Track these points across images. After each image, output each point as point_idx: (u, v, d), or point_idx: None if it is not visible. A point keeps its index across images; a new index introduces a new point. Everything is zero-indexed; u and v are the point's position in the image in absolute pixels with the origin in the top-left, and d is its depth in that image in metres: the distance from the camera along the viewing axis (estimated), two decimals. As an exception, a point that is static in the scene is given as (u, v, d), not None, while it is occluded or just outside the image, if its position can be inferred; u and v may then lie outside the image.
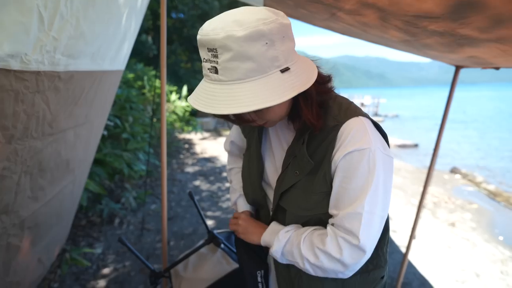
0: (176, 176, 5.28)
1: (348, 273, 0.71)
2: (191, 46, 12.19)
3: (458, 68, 1.84)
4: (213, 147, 7.63)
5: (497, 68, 1.49)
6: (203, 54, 0.61)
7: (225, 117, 0.71)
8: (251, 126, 0.93)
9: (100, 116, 1.88)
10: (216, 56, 0.58)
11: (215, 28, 0.57)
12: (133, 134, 4.04)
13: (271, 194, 0.88)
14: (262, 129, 0.89)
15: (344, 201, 0.69)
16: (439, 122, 2.07)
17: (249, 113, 0.68)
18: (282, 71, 0.60)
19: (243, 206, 1.02)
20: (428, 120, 17.05)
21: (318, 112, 0.72)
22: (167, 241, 3.13)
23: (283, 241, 0.77)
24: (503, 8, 0.68)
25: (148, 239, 3.16)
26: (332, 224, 0.72)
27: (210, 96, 0.61)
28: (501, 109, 25.42)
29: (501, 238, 3.69)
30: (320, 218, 0.77)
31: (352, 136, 0.67)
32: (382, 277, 0.85)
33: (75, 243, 2.96)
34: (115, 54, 1.62)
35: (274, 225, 0.84)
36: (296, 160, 0.76)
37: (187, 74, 12.12)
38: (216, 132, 10.04)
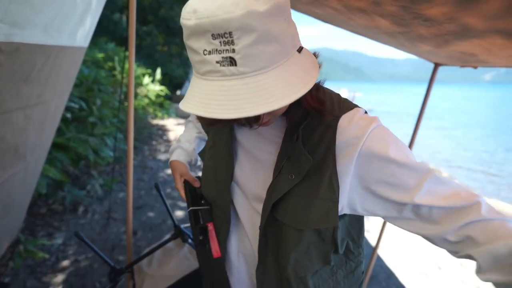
0: (147, 163, 5.08)
1: None
2: (167, 29, 11.71)
3: (436, 65, 1.83)
4: (188, 135, 7.42)
5: (475, 67, 1.48)
6: (203, 44, 0.46)
7: (242, 120, 0.59)
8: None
9: (58, 97, 1.69)
10: (231, 43, 0.45)
11: (223, 5, 0.43)
12: (101, 118, 3.81)
13: (240, 202, 0.76)
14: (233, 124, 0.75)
15: (406, 182, 0.57)
16: (410, 118, 2.08)
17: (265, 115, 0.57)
18: (299, 50, 0.52)
19: (180, 155, 0.96)
20: (400, 115, 17.67)
21: (320, 98, 0.63)
22: (134, 231, 2.99)
23: None
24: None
25: (114, 229, 3.00)
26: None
27: (231, 97, 0.47)
28: (470, 108, 26.83)
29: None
30: (327, 238, 0.66)
31: (356, 127, 0.60)
32: (363, 272, 0.82)
33: (32, 233, 2.75)
34: (74, 28, 1.45)
35: None
36: (290, 162, 0.63)
37: (163, 57, 11.66)
38: (191, 119, 9.77)
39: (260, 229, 0.69)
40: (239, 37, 0.44)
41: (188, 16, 0.46)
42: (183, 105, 0.51)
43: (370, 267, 2.31)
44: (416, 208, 0.58)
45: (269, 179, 0.68)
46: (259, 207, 0.69)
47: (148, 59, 10.78)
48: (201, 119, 0.60)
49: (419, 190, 0.56)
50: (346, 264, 0.74)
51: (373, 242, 3.11)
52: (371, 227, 3.71)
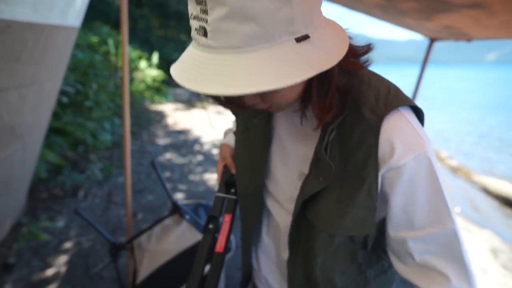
0: (146, 148, 5.10)
1: None
2: (163, 12, 11.47)
3: (432, 41, 1.82)
4: (186, 119, 7.41)
5: (469, 40, 1.48)
6: (191, 7, 0.44)
7: (215, 98, 0.53)
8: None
9: (52, 78, 1.69)
10: (205, 12, 0.42)
11: None
12: (98, 102, 3.80)
13: (271, 194, 0.73)
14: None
15: (415, 221, 0.56)
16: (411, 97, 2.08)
17: (248, 98, 0.51)
18: (298, 40, 0.43)
19: (231, 140, 0.92)
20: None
21: (332, 104, 0.53)
22: (134, 214, 3.04)
23: None
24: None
25: (114, 212, 3.05)
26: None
27: (197, 68, 0.44)
28: (467, 88, 26.67)
29: (457, 209, 3.95)
30: (358, 239, 0.63)
31: (402, 143, 0.52)
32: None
33: (34, 216, 2.80)
34: (65, 6, 1.43)
35: None
36: (319, 163, 0.58)
37: (159, 41, 11.46)
38: (189, 104, 9.74)
39: (291, 224, 0.66)
40: (212, 8, 0.41)
41: None
42: (172, 66, 0.50)
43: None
44: (404, 244, 0.58)
45: (295, 173, 0.64)
46: (287, 202, 0.68)
47: (144, 43, 10.60)
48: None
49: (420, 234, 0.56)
50: (377, 263, 0.70)
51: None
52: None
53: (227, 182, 0.85)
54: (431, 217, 0.55)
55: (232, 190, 0.83)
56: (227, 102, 0.53)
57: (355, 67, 0.55)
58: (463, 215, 3.80)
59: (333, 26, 0.51)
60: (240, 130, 0.76)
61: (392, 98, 0.54)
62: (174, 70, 0.48)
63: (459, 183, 5.01)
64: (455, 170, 5.59)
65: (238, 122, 0.77)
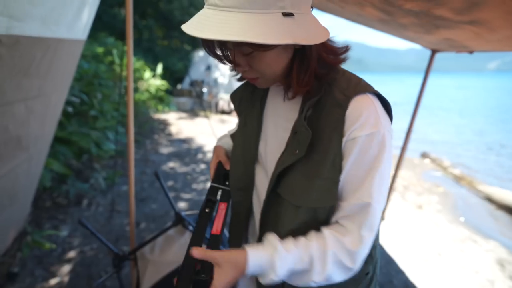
0: (149, 156, 5.13)
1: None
2: (167, 22, 11.64)
3: (434, 52, 1.84)
4: (189, 128, 7.45)
5: (471, 52, 1.49)
6: None
7: (217, 56, 0.63)
8: (249, 101, 0.83)
9: (58, 90, 1.72)
10: None
11: None
12: (102, 112, 3.84)
13: (262, 182, 0.78)
14: (264, 103, 0.79)
15: (348, 189, 0.64)
16: (413, 108, 2.08)
17: (239, 56, 0.61)
18: (284, 14, 0.54)
19: (225, 144, 0.96)
20: (402, 105, 17.55)
21: (308, 81, 0.64)
22: (138, 223, 3.05)
23: (292, 255, 0.62)
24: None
25: (117, 221, 3.06)
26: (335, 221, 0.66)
27: (202, 21, 0.55)
28: (468, 96, 26.61)
29: (462, 219, 3.90)
30: (321, 217, 0.67)
31: (363, 117, 0.61)
32: (367, 274, 0.78)
33: (38, 225, 2.81)
34: (72, 20, 1.47)
35: (253, 248, 0.64)
36: (295, 136, 0.66)
37: (163, 51, 11.62)
38: (192, 113, 9.80)
39: (263, 203, 0.72)
40: None
41: None
42: (184, 24, 0.59)
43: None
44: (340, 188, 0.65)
45: (278, 155, 0.70)
46: None
47: (148, 53, 10.76)
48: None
49: (350, 204, 0.64)
50: None
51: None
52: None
53: (220, 175, 0.88)
54: (360, 192, 0.63)
55: (227, 183, 0.86)
56: (226, 57, 0.62)
57: (335, 61, 0.66)
58: (467, 225, 3.75)
59: (317, 22, 0.62)
60: (241, 126, 0.85)
61: (361, 85, 0.65)
62: (185, 26, 0.57)
63: (462, 192, 4.96)
64: (458, 179, 5.54)
65: (240, 120, 0.86)
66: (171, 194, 3.63)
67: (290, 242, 0.64)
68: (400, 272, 2.60)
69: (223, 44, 0.60)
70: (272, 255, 0.61)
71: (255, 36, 0.51)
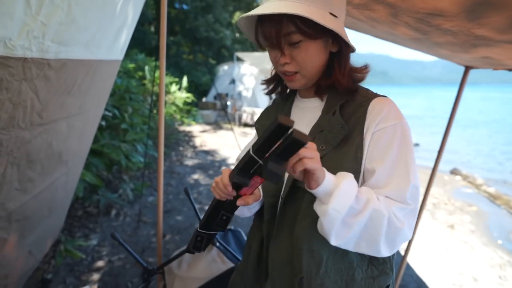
0: (174, 168, 5.24)
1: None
2: (193, 38, 12.06)
3: (467, 68, 1.78)
4: (213, 140, 7.57)
5: (510, 70, 1.43)
6: None
7: (260, 44, 0.74)
8: (269, 116, 0.89)
9: (96, 107, 1.82)
10: None
11: None
12: (132, 125, 3.99)
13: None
14: (289, 112, 0.86)
15: (385, 176, 0.67)
16: (441, 121, 2.02)
17: (286, 46, 0.70)
18: (331, 14, 0.68)
19: None
20: (429, 119, 16.95)
21: (349, 75, 0.74)
22: (163, 234, 3.10)
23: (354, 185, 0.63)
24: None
25: (144, 232, 3.13)
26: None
27: (264, 6, 0.67)
28: (494, 109, 25.26)
29: (499, 242, 3.65)
30: None
31: (385, 111, 0.69)
32: (388, 286, 0.78)
33: (70, 233, 2.93)
34: (112, 43, 1.56)
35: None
36: (322, 134, 0.73)
37: (188, 65, 12.01)
38: (216, 125, 9.97)
39: (281, 197, 0.76)
40: None
41: None
42: (243, 15, 0.71)
43: (399, 276, 2.25)
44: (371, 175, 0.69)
45: None
46: None
47: (174, 67, 11.16)
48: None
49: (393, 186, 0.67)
50: (367, 267, 0.74)
51: (402, 249, 3.02)
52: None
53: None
54: (399, 177, 0.67)
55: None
56: (273, 46, 0.72)
57: (357, 78, 0.77)
58: (505, 248, 3.51)
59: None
60: None
61: (378, 93, 0.76)
62: (245, 15, 0.69)
63: (498, 212, 4.66)
64: (493, 198, 5.21)
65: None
66: (196, 206, 3.67)
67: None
68: (432, 298, 2.46)
69: (275, 30, 0.68)
70: (339, 177, 0.64)
71: (309, 15, 0.62)
